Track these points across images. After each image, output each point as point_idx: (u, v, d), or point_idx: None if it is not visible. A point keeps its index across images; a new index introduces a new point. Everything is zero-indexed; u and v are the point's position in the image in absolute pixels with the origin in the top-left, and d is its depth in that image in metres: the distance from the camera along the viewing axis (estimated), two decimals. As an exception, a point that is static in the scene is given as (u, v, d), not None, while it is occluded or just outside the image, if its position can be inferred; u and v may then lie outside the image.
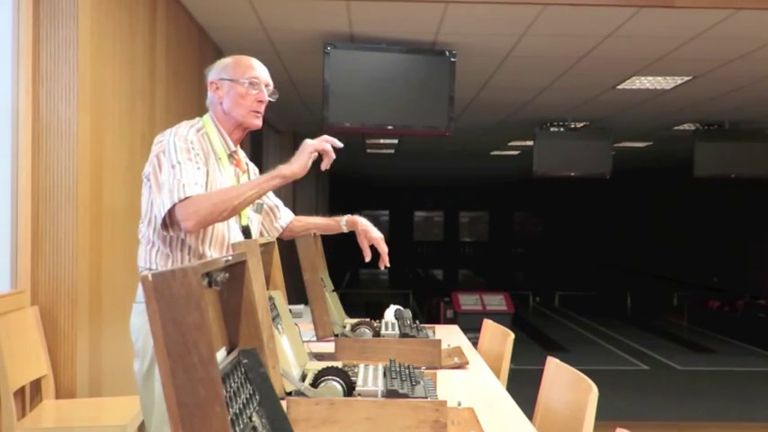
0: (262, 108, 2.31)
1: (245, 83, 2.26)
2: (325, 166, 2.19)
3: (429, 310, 11.61)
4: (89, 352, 3.17)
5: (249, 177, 2.39)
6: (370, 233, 2.63)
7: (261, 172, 2.41)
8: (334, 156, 2.19)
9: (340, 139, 2.22)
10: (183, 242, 2.15)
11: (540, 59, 5.78)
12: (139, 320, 2.14)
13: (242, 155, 2.41)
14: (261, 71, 2.31)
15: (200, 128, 2.24)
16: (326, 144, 2.18)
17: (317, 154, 2.17)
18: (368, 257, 2.61)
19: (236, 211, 2.12)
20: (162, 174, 2.08)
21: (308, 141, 2.18)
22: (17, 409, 2.80)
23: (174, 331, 1.06)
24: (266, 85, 2.31)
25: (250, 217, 2.35)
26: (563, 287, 15.03)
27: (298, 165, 2.15)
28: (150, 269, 2.16)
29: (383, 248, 2.62)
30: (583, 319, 12.31)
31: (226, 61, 2.32)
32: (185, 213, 2.01)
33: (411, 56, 5.17)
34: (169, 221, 2.06)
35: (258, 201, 2.48)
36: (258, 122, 2.32)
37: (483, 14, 4.63)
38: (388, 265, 2.63)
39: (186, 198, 2.01)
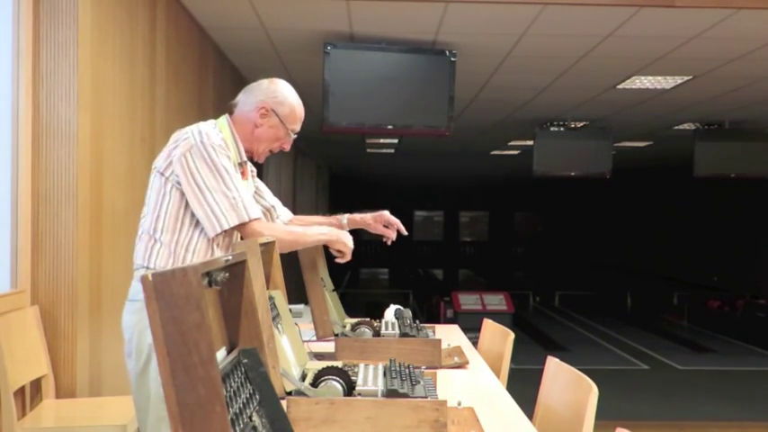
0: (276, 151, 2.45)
1: (290, 134, 2.39)
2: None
3: (429, 309, 11.61)
4: (89, 352, 3.17)
5: (251, 184, 2.44)
6: (379, 217, 2.74)
7: (259, 172, 2.45)
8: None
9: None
10: (189, 241, 2.15)
11: (540, 59, 5.78)
12: (132, 319, 2.11)
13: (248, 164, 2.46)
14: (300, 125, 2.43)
15: (218, 132, 2.25)
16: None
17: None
18: (393, 236, 2.73)
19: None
20: (203, 178, 2.13)
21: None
22: (17, 408, 2.80)
23: (174, 331, 1.06)
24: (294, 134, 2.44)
25: None
26: (563, 287, 15.04)
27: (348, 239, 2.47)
28: (147, 267, 2.14)
29: (395, 220, 2.74)
30: (583, 318, 12.31)
31: (284, 97, 2.36)
32: (254, 231, 2.18)
33: (411, 55, 5.17)
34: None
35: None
36: (263, 159, 2.45)
37: (483, 14, 4.63)
38: (405, 233, 2.76)
39: (255, 219, 2.18)
